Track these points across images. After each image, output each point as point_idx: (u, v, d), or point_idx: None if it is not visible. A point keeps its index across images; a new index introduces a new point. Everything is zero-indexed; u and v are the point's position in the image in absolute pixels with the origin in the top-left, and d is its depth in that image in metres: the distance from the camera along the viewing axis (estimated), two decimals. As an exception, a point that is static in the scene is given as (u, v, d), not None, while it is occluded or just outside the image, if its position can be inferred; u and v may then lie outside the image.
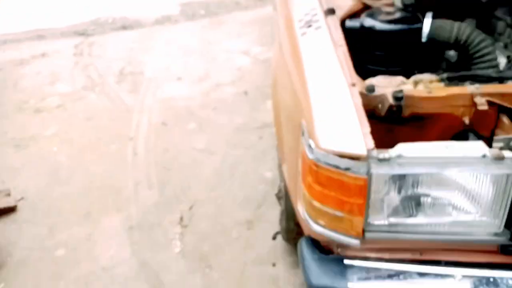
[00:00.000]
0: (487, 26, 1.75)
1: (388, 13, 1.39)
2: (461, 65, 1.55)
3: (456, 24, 1.35)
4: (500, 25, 1.71)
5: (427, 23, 1.34)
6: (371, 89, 1.08)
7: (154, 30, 4.72)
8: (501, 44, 1.63)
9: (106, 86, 3.49)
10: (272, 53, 1.89)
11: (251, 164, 2.52)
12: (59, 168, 2.59)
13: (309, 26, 1.35)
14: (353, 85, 1.07)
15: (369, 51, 1.38)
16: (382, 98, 1.07)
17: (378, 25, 1.36)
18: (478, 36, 1.31)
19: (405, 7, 1.57)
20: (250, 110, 3.07)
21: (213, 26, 4.63)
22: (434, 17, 1.48)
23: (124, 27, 4.85)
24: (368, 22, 1.38)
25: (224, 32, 4.41)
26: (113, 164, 2.60)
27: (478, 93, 1.05)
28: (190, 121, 2.99)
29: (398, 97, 1.04)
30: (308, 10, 1.45)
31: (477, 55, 1.31)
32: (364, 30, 1.38)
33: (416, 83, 1.17)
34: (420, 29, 1.35)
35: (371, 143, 0.94)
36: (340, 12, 1.44)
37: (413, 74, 1.42)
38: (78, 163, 2.63)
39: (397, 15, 1.39)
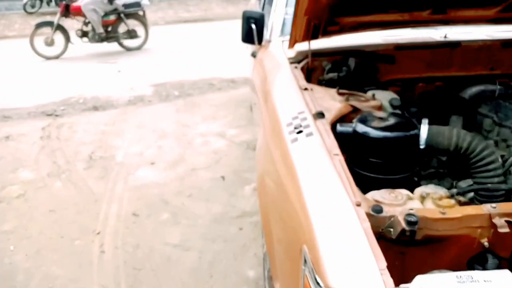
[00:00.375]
0: (473, 124, 1.73)
1: (381, 119, 1.32)
2: (452, 164, 1.49)
3: (455, 131, 1.29)
4: (487, 122, 1.69)
5: (424, 130, 1.28)
6: (378, 210, 0.96)
7: (127, 111, 4.63)
8: (491, 142, 1.60)
9: (74, 173, 3.26)
10: (256, 149, 1.78)
11: (231, 262, 2.31)
12: (15, 272, 2.28)
13: (300, 132, 1.25)
14: (358, 205, 0.95)
15: (363, 158, 1.28)
16: (393, 221, 0.95)
17: (373, 132, 1.27)
18: (480, 144, 1.24)
19: (393, 108, 1.53)
20: (228, 197, 2.90)
21: (187, 108, 4.59)
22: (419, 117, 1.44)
23: (95, 108, 4.74)
24: (361, 128, 1.29)
25: (199, 114, 4.36)
26: (77, 265, 2.32)
27: (496, 213, 0.95)
28: (164, 211, 2.78)
29: (411, 222, 0.92)
30: (295, 113, 1.37)
31: (480, 163, 1.23)
32: (357, 136, 1.30)
33: (423, 198, 1.07)
34: (417, 136, 1.27)
35: (390, 282, 0.80)
36: (329, 115, 1.36)
37: (412, 180, 1.33)
38: (37, 264, 2.33)
39: (391, 121, 1.31)
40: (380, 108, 1.47)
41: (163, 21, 9.76)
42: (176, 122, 4.21)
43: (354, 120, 1.34)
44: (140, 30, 7.24)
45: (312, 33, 1.79)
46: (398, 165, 1.27)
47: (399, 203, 1.02)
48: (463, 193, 1.11)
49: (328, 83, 1.82)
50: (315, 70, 1.88)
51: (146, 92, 5.24)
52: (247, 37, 2.20)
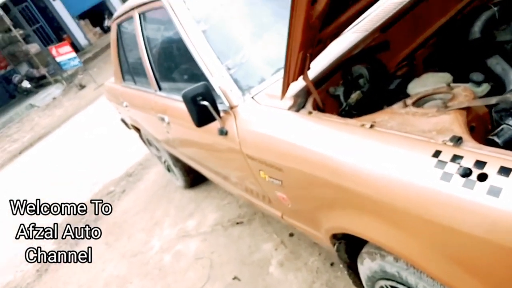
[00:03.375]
0: (509, 55, 1.55)
1: None
2: None
3: None
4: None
5: None
6: None
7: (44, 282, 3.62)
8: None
9: None
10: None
11: None
12: None
13: (483, 176, 0.86)
14: None
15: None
16: None
17: None
18: None
19: (479, 85, 1.24)
20: (260, 294, 2.35)
21: (115, 236, 3.75)
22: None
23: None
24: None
25: (136, 233, 3.60)
26: None
27: None
28: None
29: None
30: (428, 159, 0.97)
31: None
32: None
33: None
34: None
35: None
36: (463, 135, 1.00)
37: None
38: None
39: None
40: (472, 93, 1.17)
41: (-5, 167, 8.24)
42: (121, 258, 3.40)
43: (503, 121, 1.01)
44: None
45: (307, 66, 1.42)
46: None
47: None
48: None
49: (356, 107, 1.47)
50: (324, 104, 1.51)
51: (46, 247, 4.21)
52: (202, 119, 1.71)
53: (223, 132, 1.76)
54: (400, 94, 1.48)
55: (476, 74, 1.25)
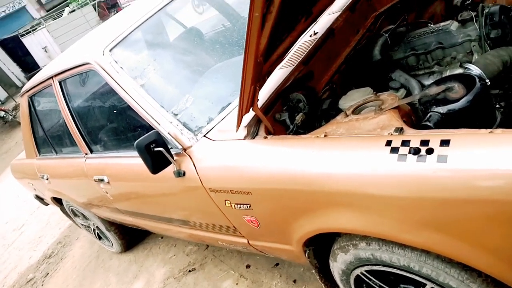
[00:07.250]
0: (407, 69, 1.91)
1: (447, 90, 1.29)
2: None
3: (490, 53, 1.39)
4: (412, 61, 1.90)
5: (476, 69, 1.33)
6: None
7: None
8: (435, 68, 1.82)
9: None
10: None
11: None
12: None
13: (429, 151, 1.10)
14: None
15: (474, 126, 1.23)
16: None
17: (461, 103, 1.23)
18: None
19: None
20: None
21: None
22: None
23: None
24: (449, 107, 1.23)
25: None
26: None
27: None
28: None
29: None
30: (381, 150, 1.19)
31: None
32: (452, 116, 1.24)
33: None
34: (481, 77, 1.32)
35: None
36: (403, 127, 1.25)
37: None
38: None
39: (455, 83, 1.30)
40: (396, 97, 1.44)
41: None
42: None
43: (429, 110, 1.28)
44: None
45: (256, 98, 1.60)
46: (493, 108, 1.29)
47: None
48: None
49: (304, 127, 1.68)
50: (274, 129, 1.69)
51: None
52: (157, 165, 1.76)
53: (180, 174, 1.82)
54: (332, 111, 1.74)
55: (393, 82, 1.55)
